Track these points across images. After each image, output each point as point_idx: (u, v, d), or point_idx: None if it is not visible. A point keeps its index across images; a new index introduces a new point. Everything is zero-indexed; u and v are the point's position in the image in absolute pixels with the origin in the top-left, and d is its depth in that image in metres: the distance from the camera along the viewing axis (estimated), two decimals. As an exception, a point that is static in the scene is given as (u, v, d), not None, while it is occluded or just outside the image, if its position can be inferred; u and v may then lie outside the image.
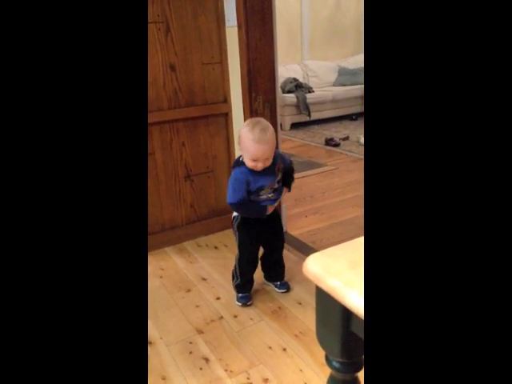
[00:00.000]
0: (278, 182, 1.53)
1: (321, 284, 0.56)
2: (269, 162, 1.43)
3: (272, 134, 1.40)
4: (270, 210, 1.54)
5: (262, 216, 1.53)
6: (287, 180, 1.60)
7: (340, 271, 0.55)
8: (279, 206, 1.91)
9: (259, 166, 1.40)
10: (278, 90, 2.12)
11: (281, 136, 2.12)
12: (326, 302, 0.57)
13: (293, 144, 4.26)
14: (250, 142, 1.37)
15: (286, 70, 5.08)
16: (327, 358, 0.64)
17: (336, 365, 0.62)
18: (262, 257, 1.72)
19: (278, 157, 1.52)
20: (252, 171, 1.44)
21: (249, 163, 1.41)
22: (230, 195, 1.46)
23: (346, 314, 0.56)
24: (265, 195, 1.51)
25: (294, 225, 2.32)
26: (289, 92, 4.87)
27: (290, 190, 1.64)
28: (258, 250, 1.66)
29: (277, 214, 1.65)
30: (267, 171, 1.46)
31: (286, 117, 4.82)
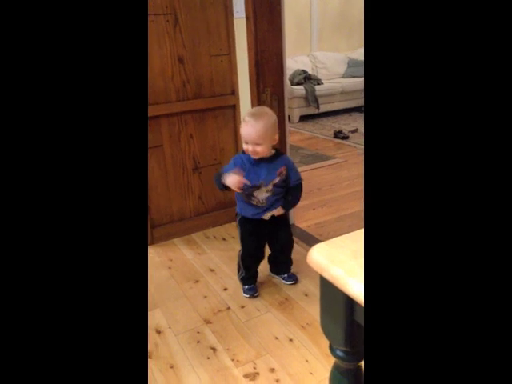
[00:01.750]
0: (276, 187, 1.50)
1: (324, 273, 0.56)
2: (260, 150, 1.42)
3: (265, 122, 1.40)
4: (232, 180, 1.42)
5: (219, 186, 1.49)
6: (287, 198, 1.55)
7: (343, 261, 0.56)
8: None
9: (250, 150, 1.42)
10: (286, 82, 2.12)
11: (288, 128, 2.12)
12: (329, 291, 0.58)
13: (301, 136, 4.25)
14: (242, 122, 1.45)
15: (294, 61, 5.04)
16: (331, 347, 0.65)
17: (340, 353, 0.63)
18: (269, 254, 1.73)
19: (283, 161, 1.51)
20: (250, 161, 1.47)
21: (243, 146, 1.45)
22: (221, 168, 1.54)
23: (349, 303, 0.56)
24: (261, 195, 1.49)
25: (302, 217, 2.32)
26: (297, 84, 4.84)
27: (284, 210, 1.56)
28: (262, 245, 1.66)
29: (282, 215, 1.60)
30: (266, 167, 1.47)
31: (295, 109, 4.79)
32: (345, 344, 0.60)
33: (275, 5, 1.92)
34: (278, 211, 1.54)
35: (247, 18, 1.90)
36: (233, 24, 1.97)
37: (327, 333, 0.63)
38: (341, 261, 0.56)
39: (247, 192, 1.49)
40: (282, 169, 1.50)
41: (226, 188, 1.48)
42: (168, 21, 1.84)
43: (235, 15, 1.95)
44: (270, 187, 1.49)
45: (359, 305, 0.53)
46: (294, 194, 1.56)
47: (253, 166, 1.47)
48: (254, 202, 1.51)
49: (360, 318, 0.57)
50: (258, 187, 1.48)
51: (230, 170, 1.46)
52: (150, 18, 1.79)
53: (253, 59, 1.95)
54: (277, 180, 1.49)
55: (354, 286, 0.51)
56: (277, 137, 1.47)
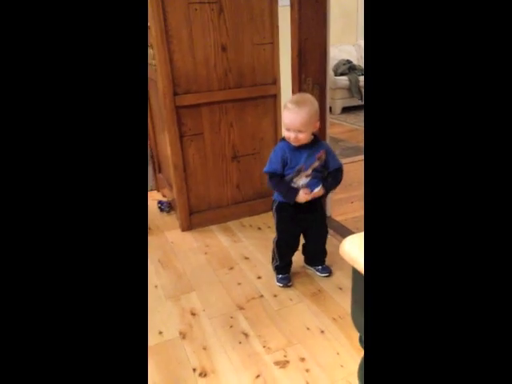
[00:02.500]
0: (315, 172, 1.49)
1: (356, 265, 0.56)
2: (302, 137, 1.42)
3: (309, 109, 1.40)
4: (302, 197, 1.50)
5: (290, 199, 1.51)
6: (328, 180, 1.53)
7: (376, 253, 0.55)
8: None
9: (292, 137, 1.43)
10: (329, 72, 2.08)
11: (329, 120, 2.08)
12: (360, 282, 0.58)
13: (342, 129, 4.17)
14: (285, 109, 1.44)
15: (338, 51, 4.93)
16: (361, 339, 0.64)
17: (369, 346, 0.63)
18: (303, 245, 1.73)
19: (323, 146, 1.51)
20: (290, 148, 1.47)
21: (285, 134, 1.46)
22: (267, 165, 1.53)
23: (381, 296, 0.56)
24: (300, 180, 1.50)
25: (339, 210, 2.29)
26: (341, 74, 4.73)
27: (325, 193, 1.55)
28: (298, 234, 1.66)
29: (319, 203, 1.61)
30: (305, 152, 1.47)
31: (337, 100, 4.70)
32: (375, 337, 0.59)
33: (320, -8, 1.88)
34: (319, 191, 1.51)
35: (291, 5, 1.88)
36: (277, 12, 1.96)
37: (357, 325, 0.63)
38: (374, 253, 0.55)
39: (289, 178, 1.50)
40: (322, 152, 1.49)
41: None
42: (213, 9, 1.85)
43: (279, 3, 1.94)
44: (310, 171, 1.49)
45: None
46: (334, 177, 1.54)
47: (293, 151, 1.48)
48: (294, 186, 1.51)
49: (391, 312, 0.56)
50: (297, 172, 1.49)
51: (278, 163, 1.48)
52: (194, 6, 1.81)
53: (295, 48, 1.93)
54: (316, 164, 1.49)
55: (387, 279, 0.51)
56: (318, 124, 1.47)
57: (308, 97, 1.47)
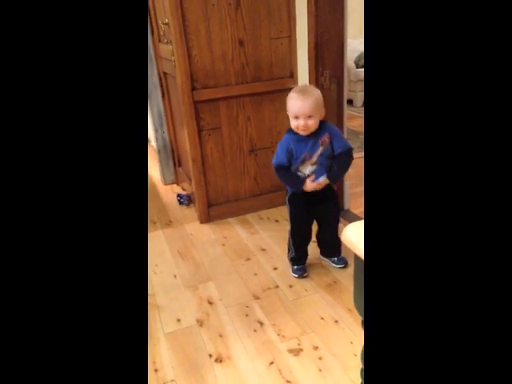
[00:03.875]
0: (320, 158, 1.48)
1: (356, 250, 0.58)
2: (312, 124, 1.42)
3: (316, 96, 1.42)
4: (309, 186, 1.51)
5: (297, 189, 1.53)
6: (333, 167, 1.50)
7: (376, 239, 0.57)
8: (339, 183, 1.88)
9: (301, 125, 1.42)
10: (348, 65, 2.07)
11: (346, 112, 2.08)
12: (361, 268, 0.60)
13: (363, 122, 4.12)
14: (291, 99, 1.45)
15: (361, 43, 4.86)
16: (363, 323, 0.66)
17: (371, 330, 0.65)
18: (317, 234, 1.75)
19: (327, 130, 1.48)
20: (294, 139, 1.48)
21: (292, 123, 1.46)
22: (274, 157, 1.56)
23: (380, 280, 0.57)
24: (306, 169, 1.51)
25: (356, 203, 2.29)
26: (363, 67, 4.67)
27: (331, 182, 1.53)
28: (311, 223, 1.68)
29: (331, 191, 1.61)
30: (310, 142, 1.47)
31: (358, 93, 4.65)
32: (375, 320, 0.61)
33: (338, -15, 1.88)
34: (323, 181, 1.51)
35: (308, -1, 1.88)
36: (294, 6, 1.96)
37: (359, 309, 0.65)
38: (373, 239, 0.57)
39: (296, 168, 1.52)
40: (325, 137, 1.48)
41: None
42: (230, 4, 1.88)
43: (296, -3, 1.94)
44: (315, 159, 1.49)
45: (389, 282, 0.54)
46: (340, 163, 1.51)
47: (298, 142, 1.49)
48: (301, 175, 1.53)
49: (390, 296, 0.58)
50: (302, 161, 1.50)
51: (284, 155, 1.50)
52: (212, 1, 1.84)
53: (312, 41, 1.93)
54: (320, 150, 1.48)
55: (384, 263, 0.53)
56: (323, 111, 1.47)
57: (311, 85, 1.50)
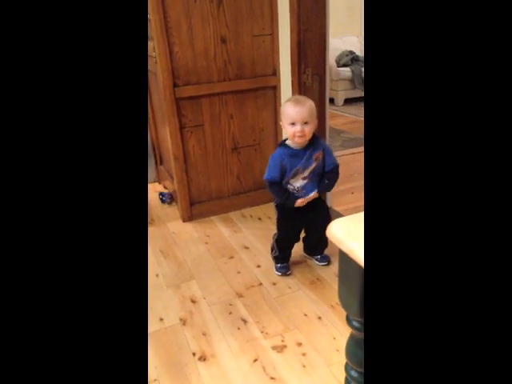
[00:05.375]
0: (312, 174, 1.51)
1: (341, 246, 0.58)
2: (308, 131, 1.44)
3: (311, 104, 1.45)
4: (299, 202, 1.53)
5: (289, 205, 1.55)
6: (323, 181, 1.54)
7: (360, 235, 0.57)
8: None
9: (298, 131, 1.43)
10: (330, 63, 2.09)
11: (328, 111, 2.10)
12: (346, 263, 0.60)
13: (345, 120, 4.17)
14: (287, 106, 1.46)
15: (342, 42, 4.91)
16: (348, 318, 0.67)
17: (356, 324, 0.65)
18: (303, 237, 1.75)
19: (321, 145, 1.52)
20: (287, 154, 1.49)
21: (289, 130, 1.45)
22: (266, 172, 1.55)
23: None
24: (297, 183, 1.52)
25: (340, 201, 2.31)
26: (344, 66, 4.72)
27: (319, 194, 1.57)
28: (299, 229, 1.69)
29: (319, 200, 1.61)
30: (303, 155, 1.48)
31: (340, 91, 4.70)
32: (360, 314, 0.62)
33: (320, -17, 1.88)
34: (313, 196, 1.55)
35: (290, -4, 1.88)
36: (276, 3, 1.96)
37: (344, 304, 0.65)
38: (358, 235, 0.57)
39: (286, 181, 1.53)
40: (319, 154, 1.51)
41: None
42: (212, 1, 1.86)
43: (279, -6, 1.94)
44: (306, 174, 1.51)
45: (374, 277, 0.55)
46: (330, 178, 1.56)
47: (291, 157, 1.50)
48: (290, 190, 1.54)
49: (375, 291, 0.58)
50: (294, 174, 1.51)
51: (277, 170, 1.50)
52: (194, -2, 1.82)
53: (295, 39, 1.94)
54: (313, 166, 1.51)
55: (369, 259, 0.53)
56: (317, 121, 1.50)
57: (304, 97, 1.52)
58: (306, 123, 1.43)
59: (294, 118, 1.43)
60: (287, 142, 1.52)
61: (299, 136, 1.44)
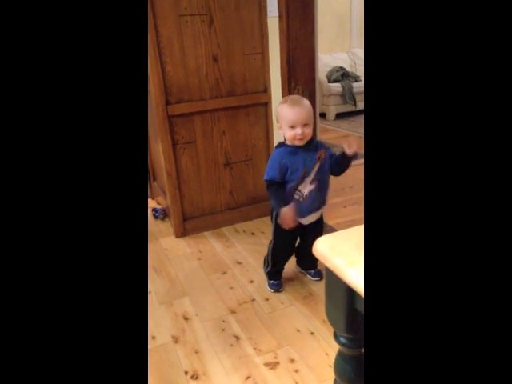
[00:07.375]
0: (319, 175, 1.46)
1: (326, 263, 0.59)
2: (308, 132, 1.40)
3: (308, 104, 1.41)
4: (285, 221, 1.45)
5: (278, 210, 1.48)
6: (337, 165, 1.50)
7: (345, 251, 0.59)
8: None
9: (299, 133, 1.38)
10: (319, 80, 2.13)
11: (319, 125, 2.13)
12: (332, 280, 0.61)
13: (336, 134, 4.22)
14: (285, 108, 1.41)
15: (332, 58, 5.00)
16: (335, 334, 0.68)
17: (343, 340, 0.66)
18: (297, 246, 1.75)
19: (321, 145, 1.49)
20: (287, 151, 1.44)
21: (288, 134, 1.41)
22: (266, 173, 1.49)
23: (350, 291, 0.59)
24: (305, 189, 1.47)
25: (332, 214, 2.33)
26: (335, 81, 4.80)
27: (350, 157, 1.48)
28: (295, 241, 1.68)
29: (321, 216, 1.60)
30: (303, 153, 1.44)
31: (331, 106, 4.76)
32: (347, 331, 0.63)
33: (308, 3, 1.94)
34: (309, 219, 1.53)
35: (280, 16, 1.94)
36: (266, 23, 2.01)
37: (331, 320, 0.66)
38: (343, 251, 0.59)
39: (294, 187, 1.47)
40: (321, 152, 1.46)
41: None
42: (204, 21, 1.90)
43: (269, 14, 1.99)
44: (313, 175, 1.45)
45: (359, 293, 0.56)
46: (342, 160, 1.50)
47: (291, 155, 1.44)
48: (297, 197, 1.48)
49: (360, 306, 0.59)
50: (302, 178, 1.45)
51: (276, 170, 1.44)
52: (185, 18, 1.86)
53: (284, 57, 1.98)
54: (317, 165, 1.45)
55: (353, 276, 0.54)
56: (313, 120, 1.46)
57: (299, 96, 1.48)
58: (305, 125, 1.39)
59: (293, 120, 1.38)
60: (286, 142, 1.47)
61: (299, 139, 1.40)
